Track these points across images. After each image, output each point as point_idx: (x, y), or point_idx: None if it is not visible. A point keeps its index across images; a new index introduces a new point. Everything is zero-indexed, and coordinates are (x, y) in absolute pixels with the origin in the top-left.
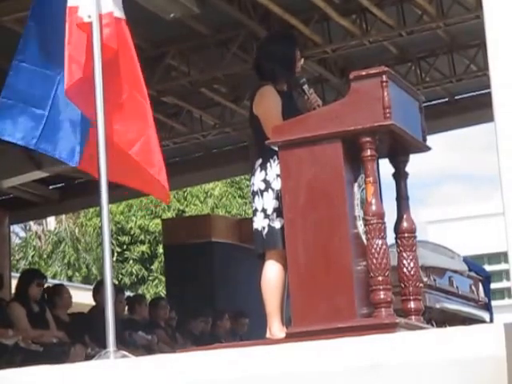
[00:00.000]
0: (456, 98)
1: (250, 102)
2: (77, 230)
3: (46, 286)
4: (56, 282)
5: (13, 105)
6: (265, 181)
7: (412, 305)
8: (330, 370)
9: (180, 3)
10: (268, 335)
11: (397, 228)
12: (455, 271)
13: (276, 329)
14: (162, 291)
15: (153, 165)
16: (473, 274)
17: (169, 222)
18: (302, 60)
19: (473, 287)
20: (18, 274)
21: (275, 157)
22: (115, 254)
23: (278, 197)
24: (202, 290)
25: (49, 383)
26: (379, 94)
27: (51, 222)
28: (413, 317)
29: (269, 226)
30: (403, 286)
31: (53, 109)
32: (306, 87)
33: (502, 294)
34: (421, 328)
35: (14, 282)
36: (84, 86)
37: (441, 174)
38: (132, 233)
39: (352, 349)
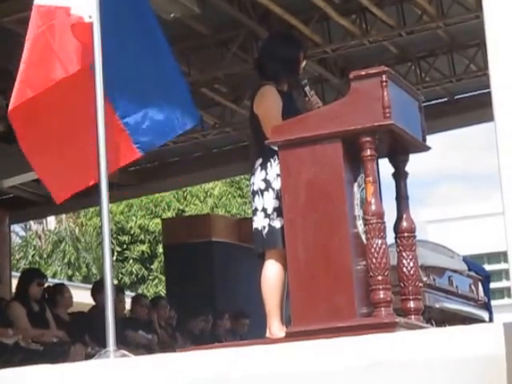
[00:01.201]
0: (456, 97)
1: (251, 101)
2: (77, 230)
3: (46, 285)
4: (56, 281)
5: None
6: (265, 180)
7: (412, 304)
8: (329, 369)
9: (180, 3)
10: (268, 334)
11: (396, 227)
12: (455, 271)
13: (276, 328)
14: (162, 291)
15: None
16: (472, 273)
17: (169, 221)
18: (304, 62)
19: (472, 287)
20: (18, 274)
21: (275, 156)
22: (115, 254)
23: (279, 196)
24: (202, 290)
25: (49, 383)
26: (379, 94)
27: (51, 221)
28: (412, 316)
29: (269, 225)
30: (403, 285)
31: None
32: (307, 89)
33: (501, 293)
34: (420, 327)
35: (15, 282)
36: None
37: (440, 174)
38: (132, 232)
39: (352, 348)
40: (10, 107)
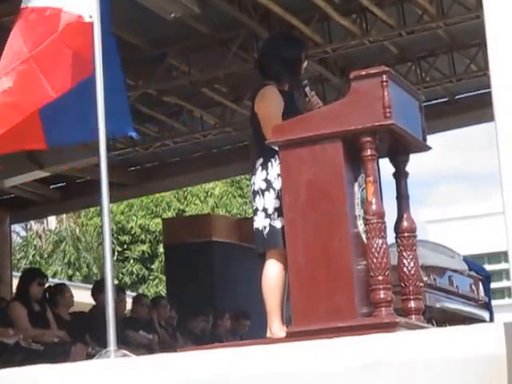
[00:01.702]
0: (456, 97)
1: (252, 101)
2: (77, 230)
3: (47, 285)
4: (56, 281)
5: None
6: (266, 180)
7: (412, 304)
8: (330, 369)
9: (180, 3)
10: (268, 334)
11: (397, 227)
12: (455, 270)
13: (276, 328)
14: (163, 290)
15: None
16: (473, 273)
17: (169, 221)
18: (306, 62)
19: (473, 286)
20: (18, 274)
21: (276, 156)
22: (116, 254)
23: (279, 196)
24: (203, 290)
25: (49, 382)
26: (379, 94)
27: (52, 221)
28: (413, 316)
29: (270, 225)
30: (403, 285)
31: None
32: (307, 89)
33: (502, 293)
34: (421, 327)
35: (15, 282)
36: None
37: (440, 174)
38: (132, 232)
39: (352, 348)
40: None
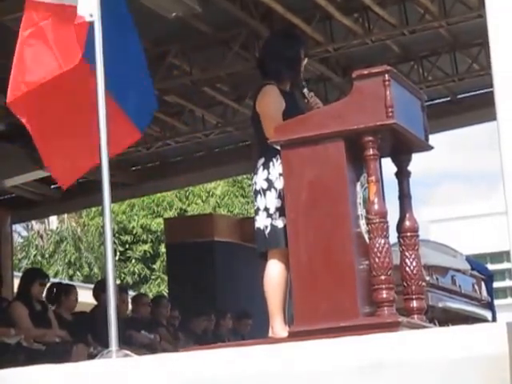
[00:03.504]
0: (458, 97)
1: (253, 100)
2: (79, 230)
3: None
4: (57, 280)
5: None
6: (267, 180)
7: (415, 304)
8: (332, 369)
9: (182, 2)
10: (270, 334)
11: (399, 227)
12: (458, 270)
13: (278, 328)
14: (165, 290)
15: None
16: (475, 272)
17: (171, 221)
18: (306, 60)
19: (475, 286)
20: (20, 274)
21: (278, 156)
22: (117, 254)
23: (281, 196)
24: (204, 289)
25: (51, 382)
26: (382, 93)
27: (53, 221)
28: (415, 316)
29: (271, 225)
30: (406, 285)
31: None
32: (305, 91)
33: (504, 293)
34: (423, 327)
35: (16, 282)
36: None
37: (442, 173)
38: (134, 232)
39: (354, 348)
40: (8, 100)
